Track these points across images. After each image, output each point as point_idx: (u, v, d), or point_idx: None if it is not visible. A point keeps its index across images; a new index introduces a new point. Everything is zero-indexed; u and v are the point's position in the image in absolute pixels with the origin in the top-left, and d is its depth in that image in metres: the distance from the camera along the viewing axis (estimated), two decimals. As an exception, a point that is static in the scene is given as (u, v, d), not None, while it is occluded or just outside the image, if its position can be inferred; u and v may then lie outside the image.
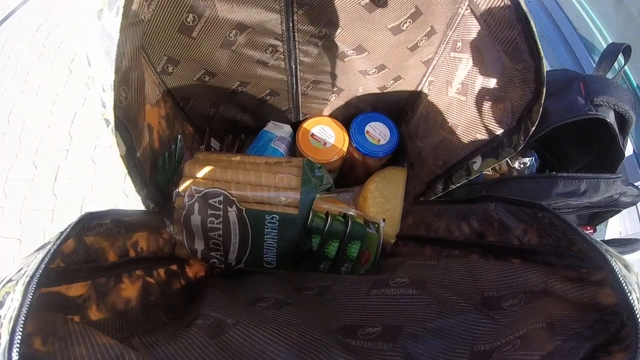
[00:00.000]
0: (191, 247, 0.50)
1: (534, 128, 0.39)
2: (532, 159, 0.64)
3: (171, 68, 0.51)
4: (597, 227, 0.65)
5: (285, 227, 0.50)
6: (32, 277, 0.22)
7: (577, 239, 0.28)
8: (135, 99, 0.39)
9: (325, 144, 0.66)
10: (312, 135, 0.66)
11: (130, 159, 0.38)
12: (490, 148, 0.46)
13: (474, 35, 0.45)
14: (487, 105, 0.46)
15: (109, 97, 0.30)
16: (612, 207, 0.57)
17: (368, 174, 0.68)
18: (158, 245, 0.45)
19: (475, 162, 0.48)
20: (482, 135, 0.47)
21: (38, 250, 0.25)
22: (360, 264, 0.58)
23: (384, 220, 0.60)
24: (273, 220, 0.49)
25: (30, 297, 0.21)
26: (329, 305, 0.40)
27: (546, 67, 0.37)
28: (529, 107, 0.39)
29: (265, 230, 0.49)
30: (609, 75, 0.64)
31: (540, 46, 0.36)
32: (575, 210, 0.57)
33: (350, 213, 0.59)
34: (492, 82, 0.45)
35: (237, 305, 0.39)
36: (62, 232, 0.27)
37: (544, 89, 0.37)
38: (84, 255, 0.30)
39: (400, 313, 0.35)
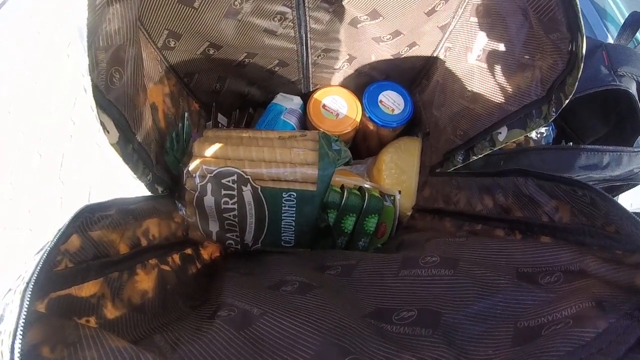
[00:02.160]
0: (205, 229, 0.46)
1: (567, 101, 0.35)
2: (549, 129, 0.59)
3: (173, 42, 0.46)
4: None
5: (304, 205, 0.45)
6: (27, 283, 0.19)
7: (621, 221, 0.25)
8: (132, 79, 0.34)
9: (337, 114, 0.60)
10: (324, 106, 0.60)
11: (127, 145, 0.34)
12: (518, 118, 0.41)
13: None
14: (512, 73, 0.41)
15: (88, 83, 0.28)
16: (630, 181, 0.54)
17: (381, 144, 0.63)
18: (170, 230, 0.41)
19: (500, 132, 0.43)
20: (507, 105, 0.42)
21: (37, 252, 0.21)
22: (376, 237, 0.55)
23: (399, 192, 0.56)
24: (290, 198, 0.45)
25: (27, 306, 0.18)
26: (355, 287, 0.36)
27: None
28: (562, 78, 0.34)
29: (283, 208, 0.45)
30: (630, 46, 0.59)
31: (581, 21, 0.31)
32: (596, 184, 0.53)
33: (366, 186, 0.55)
34: (517, 49, 0.39)
35: (260, 291, 0.35)
36: (59, 230, 0.23)
37: (581, 63, 0.32)
38: (93, 252, 0.26)
39: (435, 296, 0.31)
